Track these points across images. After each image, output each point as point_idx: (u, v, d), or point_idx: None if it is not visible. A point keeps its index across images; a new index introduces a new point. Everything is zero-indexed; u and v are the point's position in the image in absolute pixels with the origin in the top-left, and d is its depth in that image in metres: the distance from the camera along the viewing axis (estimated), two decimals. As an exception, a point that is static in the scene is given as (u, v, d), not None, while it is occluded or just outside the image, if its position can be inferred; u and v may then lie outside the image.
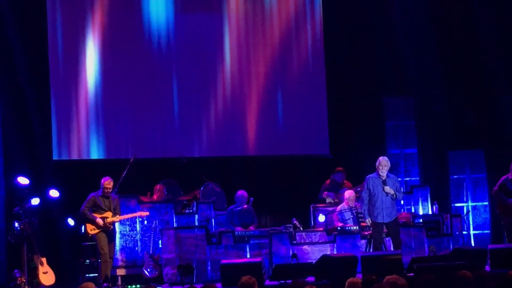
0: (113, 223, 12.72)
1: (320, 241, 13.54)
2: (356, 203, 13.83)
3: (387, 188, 12.26)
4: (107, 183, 12.63)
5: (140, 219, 14.01)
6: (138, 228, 14.05)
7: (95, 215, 12.57)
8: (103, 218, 12.56)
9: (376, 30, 16.66)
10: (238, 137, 16.31)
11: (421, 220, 14.33)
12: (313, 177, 16.02)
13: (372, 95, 16.78)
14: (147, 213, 13.58)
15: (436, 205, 15.00)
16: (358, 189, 14.27)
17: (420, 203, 15.42)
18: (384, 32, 16.63)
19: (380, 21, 16.64)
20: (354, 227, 13.55)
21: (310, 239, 13.59)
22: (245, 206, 14.13)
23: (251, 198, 14.22)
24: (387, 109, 16.91)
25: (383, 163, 12.36)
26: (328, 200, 14.95)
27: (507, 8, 16.51)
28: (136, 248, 14.03)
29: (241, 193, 14.18)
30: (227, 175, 15.94)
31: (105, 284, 12.45)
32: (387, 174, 12.36)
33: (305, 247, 13.34)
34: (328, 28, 16.83)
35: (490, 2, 16.55)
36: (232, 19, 16.45)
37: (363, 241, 13.20)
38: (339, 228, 13.61)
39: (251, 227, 13.92)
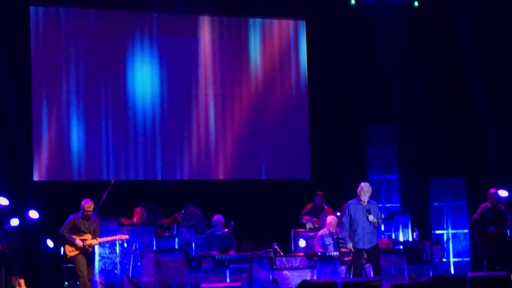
0: (92, 246, 12.60)
1: (301, 266, 13.50)
2: (337, 229, 13.80)
3: (371, 217, 12.11)
4: (88, 206, 12.49)
5: (120, 242, 13.92)
6: (117, 251, 13.96)
7: (75, 237, 12.46)
8: (82, 240, 12.46)
9: (360, 56, 16.75)
10: (219, 160, 16.32)
11: (401, 247, 14.35)
12: (294, 201, 15.99)
13: (355, 121, 16.84)
14: (127, 237, 13.43)
15: (417, 232, 15.02)
16: (337, 213, 14.28)
17: (400, 230, 15.44)
18: (368, 59, 16.72)
19: (364, 48, 16.74)
20: (335, 253, 13.53)
21: (290, 264, 13.55)
22: (226, 230, 14.07)
23: (232, 222, 14.16)
24: (369, 135, 16.97)
25: (365, 189, 12.28)
26: (308, 226, 14.93)
27: (491, 37, 16.63)
28: (116, 271, 13.94)
29: (217, 218, 14.10)
30: (208, 198, 15.88)
31: (83, 307, 12.35)
32: (368, 201, 12.31)
33: (285, 272, 13.30)
34: (312, 54, 16.94)
35: (474, 29, 16.63)
36: (216, 44, 16.49)
37: (343, 267, 13.16)
38: (319, 253, 13.58)
39: (231, 251, 13.86)
